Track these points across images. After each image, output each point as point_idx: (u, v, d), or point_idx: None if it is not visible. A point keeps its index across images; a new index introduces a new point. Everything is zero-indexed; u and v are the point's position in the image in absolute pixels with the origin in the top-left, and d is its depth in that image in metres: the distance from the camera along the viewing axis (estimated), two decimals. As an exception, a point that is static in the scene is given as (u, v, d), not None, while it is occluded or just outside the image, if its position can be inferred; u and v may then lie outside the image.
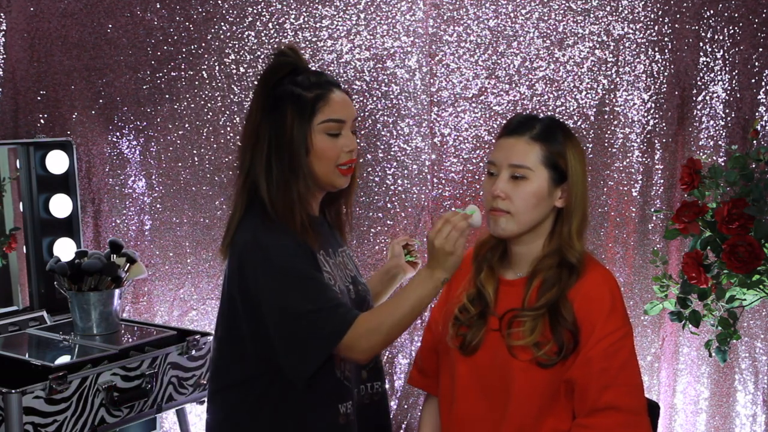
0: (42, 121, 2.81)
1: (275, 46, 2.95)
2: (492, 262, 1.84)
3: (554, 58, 2.99)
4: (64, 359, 2.31)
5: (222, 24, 2.92)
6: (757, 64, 2.92)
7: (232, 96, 2.95)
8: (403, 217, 3.06)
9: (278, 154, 1.78)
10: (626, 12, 2.96)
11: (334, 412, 1.83)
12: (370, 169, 3.04)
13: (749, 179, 2.12)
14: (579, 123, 3.00)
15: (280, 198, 1.78)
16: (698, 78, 2.97)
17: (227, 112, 2.96)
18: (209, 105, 2.95)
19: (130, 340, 2.50)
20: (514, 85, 3.01)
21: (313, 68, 1.91)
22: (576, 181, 1.76)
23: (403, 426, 3.11)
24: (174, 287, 3.00)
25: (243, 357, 1.82)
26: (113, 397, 2.28)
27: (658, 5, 2.94)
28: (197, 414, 2.98)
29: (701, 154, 2.95)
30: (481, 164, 3.03)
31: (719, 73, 2.95)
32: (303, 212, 1.80)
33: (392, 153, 3.05)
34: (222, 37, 2.93)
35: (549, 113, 2.91)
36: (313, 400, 1.81)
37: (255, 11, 2.94)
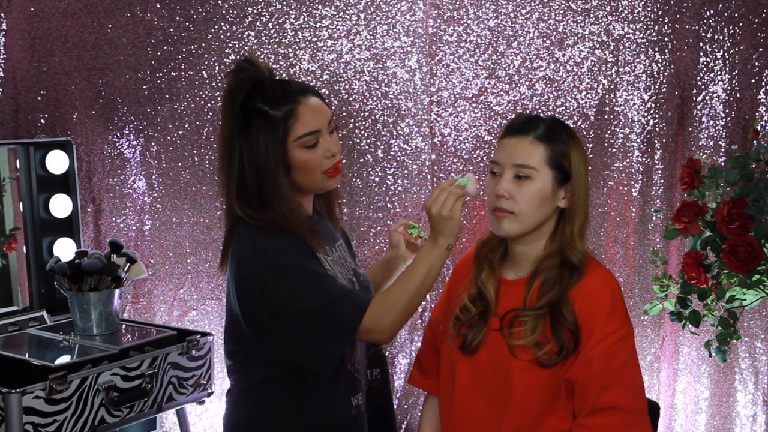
0: (42, 121, 2.80)
1: (275, 46, 2.95)
2: (493, 261, 1.84)
3: (554, 58, 2.99)
4: (64, 359, 2.31)
5: (222, 24, 2.92)
6: (757, 64, 2.92)
7: (232, 96, 2.95)
8: (403, 217, 3.05)
9: (255, 178, 1.76)
10: (626, 12, 2.96)
11: (347, 405, 1.85)
12: (370, 169, 3.03)
13: (749, 179, 2.12)
14: (579, 123, 3.00)
15: (277, 217, 1.77)
16: (698, 78, 2.97)
17: (227, 112, 2.95)
18: (209, 105, 2.94)
19: (130, 340, 2.50)
20: (514, 85, 3.01)
21: (278, 77, 1.86)
22: (579, 182, 1.76)
23: (403, 426, 3.11)
24: (174, 287, 2.99)
25: (254, 364, 1.83)
26: (113, 397, 2.28)
27: (658, 5, 2.94)
28: (197, 414, 2.98)
29: (701, 154, 2.95)
30: (481, 164, 3.03)
31: (719, 73, 2.95)
32: (301, 220, 1.80)
33: (392, 153, 3.04)
34: (222, 37, 2.92)
35: (549, 113, 2.91)
36: (329, 394, 1.82)
37: (255, 11, 2.94)
